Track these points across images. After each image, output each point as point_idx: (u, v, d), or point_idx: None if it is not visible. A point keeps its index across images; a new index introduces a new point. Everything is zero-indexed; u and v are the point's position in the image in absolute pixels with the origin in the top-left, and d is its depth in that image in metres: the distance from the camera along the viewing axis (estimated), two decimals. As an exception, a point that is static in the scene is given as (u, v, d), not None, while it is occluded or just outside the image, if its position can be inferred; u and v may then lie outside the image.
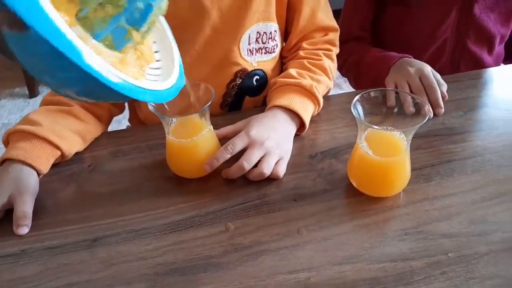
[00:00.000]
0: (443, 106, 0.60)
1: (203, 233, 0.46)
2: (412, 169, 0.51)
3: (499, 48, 0.82)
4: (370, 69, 0.73)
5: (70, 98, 0.32)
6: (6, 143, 0.55)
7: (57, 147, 0.53)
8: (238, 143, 0.51)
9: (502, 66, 0.72)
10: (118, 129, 0.69)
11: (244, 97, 0.68)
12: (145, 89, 0.33)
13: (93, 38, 0.32)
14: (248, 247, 0.44)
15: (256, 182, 0.51)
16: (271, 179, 0.51)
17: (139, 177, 0.54)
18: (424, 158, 0.53)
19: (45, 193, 0.51)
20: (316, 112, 0.60)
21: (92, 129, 0.59)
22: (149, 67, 0.38)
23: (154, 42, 0.41)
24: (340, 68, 0.80)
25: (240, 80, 0.65)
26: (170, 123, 0.50)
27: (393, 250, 0.42)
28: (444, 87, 0.62)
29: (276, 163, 0.51)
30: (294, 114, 0.56)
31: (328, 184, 0.50)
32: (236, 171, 0.50)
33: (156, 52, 0.40)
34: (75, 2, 0.31)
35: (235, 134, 0.53)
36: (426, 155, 0.53)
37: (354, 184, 0.48)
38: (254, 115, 0.56)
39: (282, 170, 0.51)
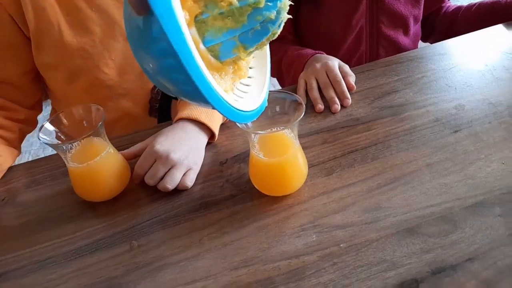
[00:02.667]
0: (349, 97, 0.61)
1: (108, 255, 0.46)
2: (316, 164, 0.52)
3: (415, 29, 0.84)
4: (289, 68, 0.74)
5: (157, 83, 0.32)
6: None
7: None
8: (145, 161, 0.52)
9: (412, 51, 0.74)
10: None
11: (171, 100, 0.68)
12: (233, 108, 0.32)
13: (203, 43, 0.32)
14: (150, 263, 0.44)
15: (166, 195, 0.52)
16: (181, 190, 0.52)
17: (50, 206, 0.53)
18: (327, 152, 0.54)
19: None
20: (227, 118, 0.61)
21: (8, 158, 0.59)
22: (240, 82, 0.38)
23: (253, 57, 0.40)
24: None
25: None
26: (68, 151, 0.50)
27: (288, 248, 0.43)
28: (352, 78, 0.64)
29: (184, 174, 0.52)
30: (202, 124, 0.57)
31: (234, 190, 0.51)
32: (149, 183, 0.51)
33: (250, 68, 0.40)
34: (199, 4, 0.31)
35: (143, 150, 0.54)
36: (330, 149, 0.54)
37: (256, 187, 0.49)
38: (162, 129, 0.56)
39: (190, 181, 0.52)
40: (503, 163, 0.48)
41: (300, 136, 0.56)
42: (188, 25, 0.30)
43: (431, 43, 0.85)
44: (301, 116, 0.43)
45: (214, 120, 0.58)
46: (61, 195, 0.55)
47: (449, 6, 0.86)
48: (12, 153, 0.61)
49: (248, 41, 0.34)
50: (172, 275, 0.42)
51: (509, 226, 0.41)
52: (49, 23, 0.60)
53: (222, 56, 0.34)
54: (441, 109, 0.58)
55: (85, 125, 0.51)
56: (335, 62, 0.64)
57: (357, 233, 0.43)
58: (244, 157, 0.56)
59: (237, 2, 0.32)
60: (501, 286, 0.36)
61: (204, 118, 0.56)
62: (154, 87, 0.66)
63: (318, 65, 0.64)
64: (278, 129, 0.46)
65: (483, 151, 0.50)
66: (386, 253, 0.41)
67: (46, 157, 0.62)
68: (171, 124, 0.57)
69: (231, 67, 0.36)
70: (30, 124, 0.67)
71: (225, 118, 0.61)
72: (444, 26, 0.86)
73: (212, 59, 0.33)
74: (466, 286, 0.37)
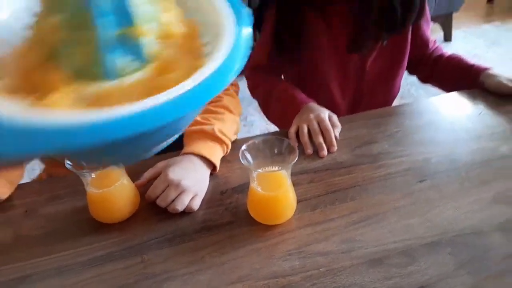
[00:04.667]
0: (335, 145, 0.72)
1: (121, 265, 0.53)
2: (302, 200, 0.61)
3: (396, 86, 0.96)
4: (278, 105, 0.85)
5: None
6: None
7: None
8: (159, 186, 0.60)
9: (392, 107, 0.86)
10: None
11: None
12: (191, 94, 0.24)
13: (106, 80, 0.26)
14: (158, 275, 0.52)
15: (173, 217, 0.60)
16: (187, 213, 0.60)
17: (69, 220, 0.61)
18: (313, 190, 0.63)
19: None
20: (227, 151, 0.70)
21: (18, 173, 0.67)
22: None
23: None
24: (250, 92, 0.92)
25: None
26: (88, 177, 0.57)
27: (277, 269, 0.51)
28: (338, 129, 0.74)
29: (191, 199, 0.60)
30: (205, 158, 0.66)
31: (233, 217, 0.60)
32: (160, 206, 0.59)
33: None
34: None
35: (156, 175, 0.62)
36: (316, 187, 0.64)
37: (252, 215, 0.58)
38: (173, 158, 0.65)
39: (196, 205, 0.60)
40: (456, 210, 0.58)
41: (291, 174, 0.66)
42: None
43: (418, 77, 0.99)
44: (295, 160, 0.53)
45: (215, 155, 0.67)
46: (79, 211, 0.62)
47: (434, 50, 0.96)
48: (21, 171, 0.69)
49: (127, 19, 0.26)
50: (177, 286, 0.50)
51: (456, 262, 0.50)
52: None
53: (142, 59, 0.27)
54: (412, 161, 0.68)
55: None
56: (326, 114, 0.75)
57: (334, 260, 0.52)
58: (242, 188, 0.65)
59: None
60: (445, 310, 0.45)
61: (206, 154, 0.65)
62: None
63: (311, 116, 0.74)
64: (276, 169, 0.56)
65: (442, 199, 0.60)
66: (357, 278, 0.50)
67: (67, 176, 0.69)
68: (176, 155, 0.66)
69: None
70: None
71: (226, 152, 0.70)
72: (427, 70, 0.97)
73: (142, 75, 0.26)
74: (418, 308, 0.46)
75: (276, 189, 0.55)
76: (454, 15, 2.40)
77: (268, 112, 0.91)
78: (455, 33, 2.48)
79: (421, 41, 0.93)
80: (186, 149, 0.66)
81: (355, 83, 0.92)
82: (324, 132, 0.72)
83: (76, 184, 0.66)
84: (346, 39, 0.84)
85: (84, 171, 0.56)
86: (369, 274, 0.50)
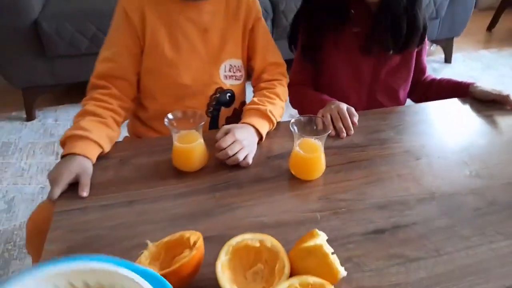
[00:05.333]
0: (352, 129, 0.93)
1: (199, 198, 0.74)
2: (329, 166, 0.82)
3: (403, 95, 1.18)
4: (310, 107, 1.06)
5: None
6: (64, 143, 0.82)
7: (101, 146, 0.81)
8: (228, 140, 0.80)
9: (396, 107, 1.08)
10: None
11: (221, 107, 0.99)
12: None
13: None
14: (226, 205, 0.73)
15: (233, 169, 0.81)
16: (242, 167, 0.81)
17: (156, 167, 0.82)
18: (337, 160, 0.85)
19: (93, 176, 0.79)
20: (273, 127, 0.92)
21: (116, 134, 0.88)
22: None
23: None
24: (290, 102, 1.14)
25: (218, 94, 0.98)
26: (177, 134, 0.79)
27: (311, 207, 0.72)
28: (356, 117, 0.96)
29: (246, 155, 0.81)
30: (257, 129, 0.87)
31: (277, 173, 0.81)
32: (224, 155, 0.79)
33: None
34: None
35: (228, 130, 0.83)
36: (339, 158, 0.85)
37: (293, 172, 0.79)
38: (236, 124, 0.86)
39: (250, 160, 0.81)
40: (442, 180, 0.79)
41: (320, 148, 0.87)
42: None
43: (412, 99, 1.21)
44: (328, 132, 0.75)
45: (264, 128, 0.88)
46: (163, 162, 0.83)
47: (427, 77, 1.20)
48: (119, 132, 0.90)
49: None
50: (240, 213, 0.71)
51: (439, 210, 0.72)
52: (157, 41, 0.91)
53: None
54: (410, 146, 0.90)
55: (191, 121, 0.81)
56: (344, 106, 0.96)
57: (351, 204, 0.73)
58: (282, 156, 0.85)
59: None
60: None
61: (259, 127, 0.87)
62: (212, 94, 0.98)
63: (333, 106, 0.96)
64: (315, 138, 0.77)
65: (431, 172, 0.82)
66: (368, 216, 0.71)
67: (147, 139, 0.90)
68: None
69: None
70: (129, 113, 0.96)
71: (271, 128, 0.91)
72: (421, 92, 1.20)
73: None
74: None
75: (313, 152, 0.77)
76: (455, 39, 2.65)
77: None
78: (455, 55, 2.72)
79: (420, 67, 1.16)
80: (245, 120, 0.88)
81: (368, 94, 1.14)
82: (342, 119, 0.94)
83: (152, 145, 0.88)
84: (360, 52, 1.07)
85: (175, 128, 0.78)
86: (377, 214, 0.71)
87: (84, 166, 0.76)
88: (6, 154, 1.80)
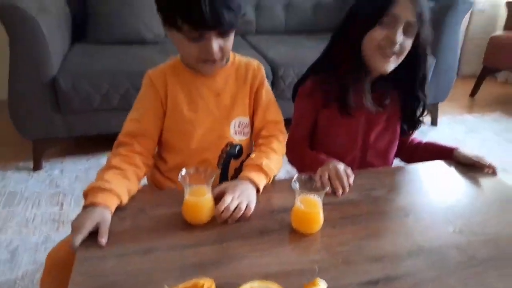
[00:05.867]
0: (347, 188, 1.02)
1: (209, 247, 0.81)
2: (326, 220, 0.90)
3: (391, 156, 1.30)
4: (310, 167, 1.16)
5: None
6: (86, 194, 0.90)
7: (120, 198, 0.89)
8: (226, 200, 0.88)
9: (385, 168, 1.18)
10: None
11: (231, 159, 1.10)
12: None
13: None
14: (234, 255, 0.80)
15: (238, 220, 0.88)
16: (247, 222, 0.89)
17: (169, 220, 0.89)
18: (334, 215, 0.93)
19: (111, 225, 0.86)
20: (269, 180, 1.01)
21: (135, 187, 0.97)
22: None
23: None
24: (288, 159, 1.23)
25: (229, 147, 1.09)
26: (188, 188, 0.88)
27: (312, 258, 0.80)
28: (351, 178, 1.05)
29: (246, 207, 0.90)
30: (254, 183, 0.96)
31: (279, 226, 0.89)
32: (226, 215, 0.87)
33: None
34: None
35: (222, 192, 0.92)
36: (336, 214, 0.94)
37: (294, 226, 0.87)
38: (233, 181, 0.96)
39: (251, 208, 0.90)
40: (429, 233, 0.88)
41: (318, 204, 0.96)
42: None
43: (401, 159, 1.32)
44: (326, 190, 0.84)
45: (261, 182, 0.98)
46: (175, 215, 0.91)
47: (413, 139, 1.33)
48: (138, 186, 0.99)
49: None
50: (247, 263, 0.78)
51: (426, 262, 0.79)
52: (177, 103, 1.05)
53: None
54: (400, 203, 0.99)
55: (202, 177, 0.90)
56: (342, 166, 1.06)
57: (348, 254, 0.81)
58: (284, 209, 0.94)
59: None
60: None
61: (255, 180, 0.96)
62: (224, 148, 1.09)
63: (331, 166, 1.06)
64: (314, 194, 0.86)
65: (419, 227, 0.90)
66: (361, 265, 0.78)
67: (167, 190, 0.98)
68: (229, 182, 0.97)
69: None
70: (149, 168, 1.06)
71: (268, 181, 1.01)
72: (409, 154, 1.31)
73: None
74: None
75: (312, 208, 0.85)
76: (440, 104, 2.84)
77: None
78: (441, 119, 2.91)
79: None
80: (242, 174, 0.98)
81: (360, 156, 1.25)
82: (339, 179, 1.03)
83: (169, 197, 0.96)
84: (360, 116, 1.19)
85: (188, 184, 0.87)
86: (371, 266, 0.78)
87: (104, 215, 0.84)
88: (12, 204, 1.86)
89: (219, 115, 1.08)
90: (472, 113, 3.16)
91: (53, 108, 2.00)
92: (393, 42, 1.03)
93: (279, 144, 1.10)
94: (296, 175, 0.88)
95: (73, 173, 2.11)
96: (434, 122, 2.87)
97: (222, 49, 0.97)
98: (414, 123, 1.24)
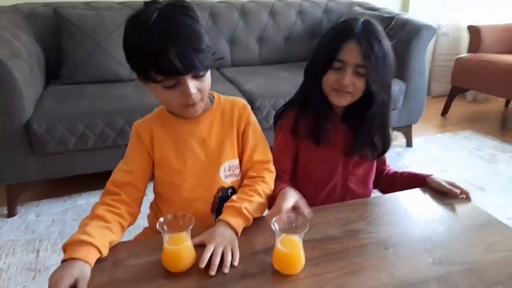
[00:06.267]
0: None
1: (191, 297, 0.80)
2: (308, 259, 0.90)
3: (371, 183, 1.32)
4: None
5: None
6: (65, 247, 0.87)
7: (100, 252, 0.87)
8: (207, 255, 0.87)
9: (366, 198, 1.20)
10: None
11: (223, 203, 1.06)
12: None
13: None
14: (217, 304, 0.78)
15: (218, 265, 0.87)
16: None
17: (147, 269, 0.88)
18: (315, 252, 0.93)
19: (90, 279, 0.83)
20: (249, 223, 1.00)
21: (118, 239, 0.95)
22: None
23: None
24: None
25: (221, 193, 1.08)
26: (167, 236, 0.86)
27: (295, 301, 0.79)
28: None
29: (232, 252, 0.89)
30: (231, 226, 0.96)
31: (261, 268, 0.88)
32: (213, 268, 0.85)
33: None
34: None
35: (203, 241, 0.92)
36: (317, 251, 0.93)
37: (276, 267, 0.87)
38: (212, 228, 0.95)
39: (236, 255, 0.89)
40: (409, 268, 0.88)
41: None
42: None
43: (378, 189, 1.35)
44: (306, 230, 0.84)
45: (239, 226, 0.97)
46: (154, 263, 0.89)
47: (389, 170, 1.36)
48: (121, 236, 0.97)
49: None
50: (232, 310, 0.77)
51: (408, 298, 0.80)
52: (165, 155, 1.05)
53: None
54: (378, 236, 1.00)
55: (181, 224, 0.89)
56: (288, 203, 0.98)
57: (332, 296, 0.80)
58: (266, 250, 0.93)
59: None
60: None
61: (233, 224, 0.96)
62: (216, 194, 1.08)
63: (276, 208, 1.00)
64: (293, 235, 0.86)
65: (399, 261, 0.91)
66: None
67: (145, 239, 0.97)
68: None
69: None
70: (134, 218, 1.04)
71: (248, 224, 1.00)
72: (386, 183, 1.34)
73: None
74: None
75: (293, 248, 0.85)
76: (414, 126, 2.93)
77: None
78: (415, 139, 2.99)
79: (382, 160, 1.33)
80: (221, 217, 0.97)
81: (341, 183, 1.27)
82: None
83: (150, 245, 0.95)
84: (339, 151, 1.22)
85: (166, 231, 0.85)
86: (354, 305, 0.78)
87: (83, 271, 0.82)
88: (-16, 254, 1.78)
89: (208, 162, 1.07)
90: (444, 132, 3.26)
91: (27, 152, 1.95)
92: (343, 85, 1.12)
93: (265, 185, 1.09)
94: (275, 217, 0.88)
95: (49, 217, 2.05)
96: (409, 144, 2.94)
97: (200, 90, 0.98)
98: (380, 155, 1.28)
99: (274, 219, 0.87)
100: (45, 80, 2.35)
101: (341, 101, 1.17)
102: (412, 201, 1.18)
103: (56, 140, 1.95)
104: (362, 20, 1.12)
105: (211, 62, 0.97)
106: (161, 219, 0.87)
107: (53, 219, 2.03)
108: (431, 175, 1.25)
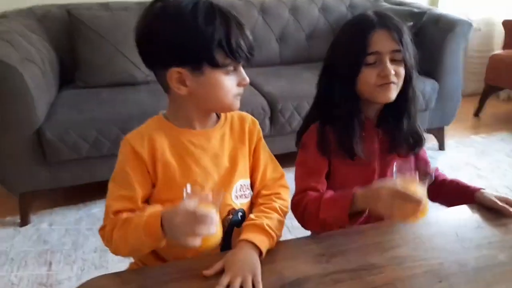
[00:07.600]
0: None
1: None
2: (347, 294, 0.77)
3: None
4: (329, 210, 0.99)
5: None
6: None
7: None
8: (224, 282, 0.76)
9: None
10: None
11: (233, 228, 0.96)
12: None
13: None
14: None
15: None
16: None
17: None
18: (353, 286, 0.79)
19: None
20: (273, 242, 0.88)
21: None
22: None
23: None
24: (294, 215, 1.07)
25: (231, 215, 0.95)
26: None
27: None
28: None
29: (253, 280, 0.77)
30: (254, 244, 0.83)
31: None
32: None
33: None
34: None
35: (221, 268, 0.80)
36: (355, 284, 0.80)
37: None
38: (231, 252, 0.83)
39: (257, 282, 0.77)
40: None
41: (336, 272, 0.82)
42: None
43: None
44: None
45: (263, 242, 0.85)
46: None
47: (437, 176, 1.20)
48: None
49: None
50: None
51: None
52: (170, 174, 0.91)
53: None
54: (428, 264, 0.85)
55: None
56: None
57: None
58: (297, 283, 0.80)
59: None
60: None
61: (256, 241, 0.84)
62: (225, 217, 0.95)
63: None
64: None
65: (457, 297, 0.76)
66: None
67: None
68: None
69: None
70: None
71: (272, 243, 0.88)
72: (434, 191, 1.15)
73: None
74: None
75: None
76: (446, 128, 2.74)
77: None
78: (447, 142, 2.80)
79: (424, 163, 1.17)
80: (242, 236, 0.86)
81: None
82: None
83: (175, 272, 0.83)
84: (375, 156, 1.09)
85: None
86: None
87: None
88: (-4, 266, 1.71)
89: (219, 180, 0.95)
90: (478, 133, 3.05)
91: (39, 160, 1.88)
92: (387, 76, 1.01)
93: (282, 201, 0.98)
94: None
95: (63, 226, 1.97)
96: (441, 147, 2.75)
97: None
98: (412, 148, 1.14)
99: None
100: (58, 84, 2.27)
101: (390, 95, 1.04)
102: (461, 220, 1.02)
103: (69, 147, 1.87)
104: (371, 11, 1.06)
105: None
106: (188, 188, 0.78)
107: (66, 229, 1.95)
108: (482, 188, 1.09)
